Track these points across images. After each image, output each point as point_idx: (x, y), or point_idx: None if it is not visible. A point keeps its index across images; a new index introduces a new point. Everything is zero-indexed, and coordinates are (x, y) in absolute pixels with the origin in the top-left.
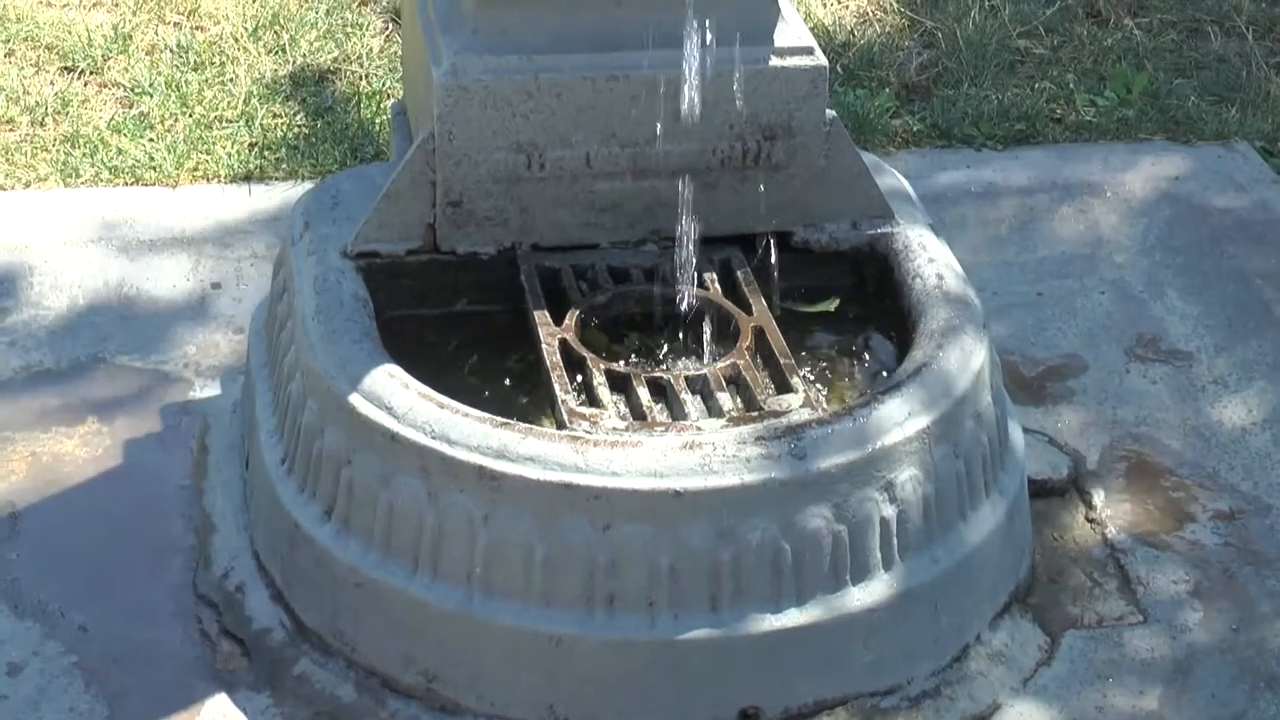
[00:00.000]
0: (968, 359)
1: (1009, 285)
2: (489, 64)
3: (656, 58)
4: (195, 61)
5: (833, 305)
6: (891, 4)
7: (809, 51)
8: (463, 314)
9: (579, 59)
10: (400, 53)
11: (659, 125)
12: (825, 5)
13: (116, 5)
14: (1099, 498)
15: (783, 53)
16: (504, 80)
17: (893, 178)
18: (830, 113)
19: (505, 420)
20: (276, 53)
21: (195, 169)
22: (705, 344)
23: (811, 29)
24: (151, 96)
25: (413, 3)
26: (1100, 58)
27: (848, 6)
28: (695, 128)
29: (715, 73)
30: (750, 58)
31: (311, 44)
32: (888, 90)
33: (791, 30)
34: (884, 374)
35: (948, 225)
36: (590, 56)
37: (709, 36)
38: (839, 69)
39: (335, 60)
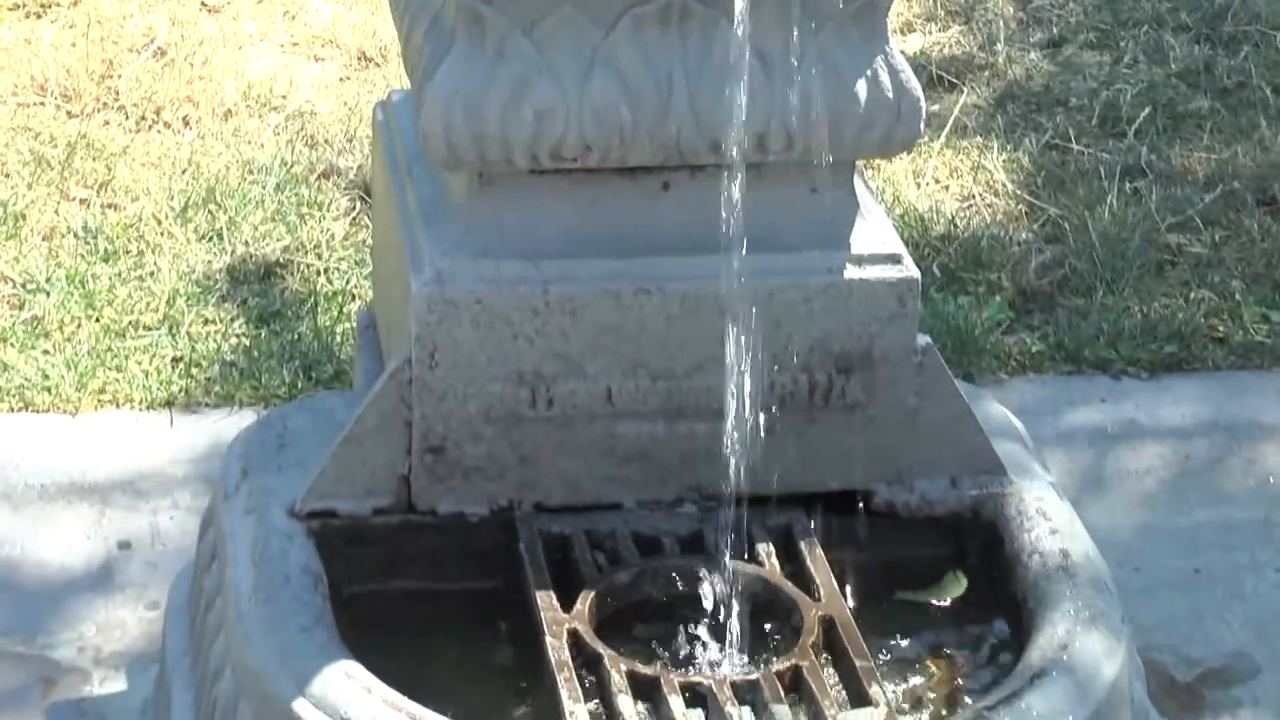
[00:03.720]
0: (1100, 665)
1: (1157, 559)
2: (484, 271)
3: (698, 266)
4: (106, 250)
5: (960, 588)
6: (1005, 185)
7: (895, 260)
8: (444, 593)
9: (599, 266)
10: (371, 242)
11: (701, 353)
12: (919, 185)
13: (6, 176)
14: None
15: (861, 260)
16: (503, 292)
17: (1003, 416)
18: (923, 338)
19: None
20: (210, 239)
21: (102, 391)
22: (758, 638)
23: (900, 217)
24: (48, 295)
25: (386, 183)
26: (1275, 259)
27: (948, 187)
28: (747, 356)
29: (774, 286)
30: (819, 267)
31: (256, 228)
32: (999, 298)
33: (873, 230)
34: (990, 684)
35: (1076, 479)
36: (614, 263)
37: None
38: (935, 270)
39: (286, 250)
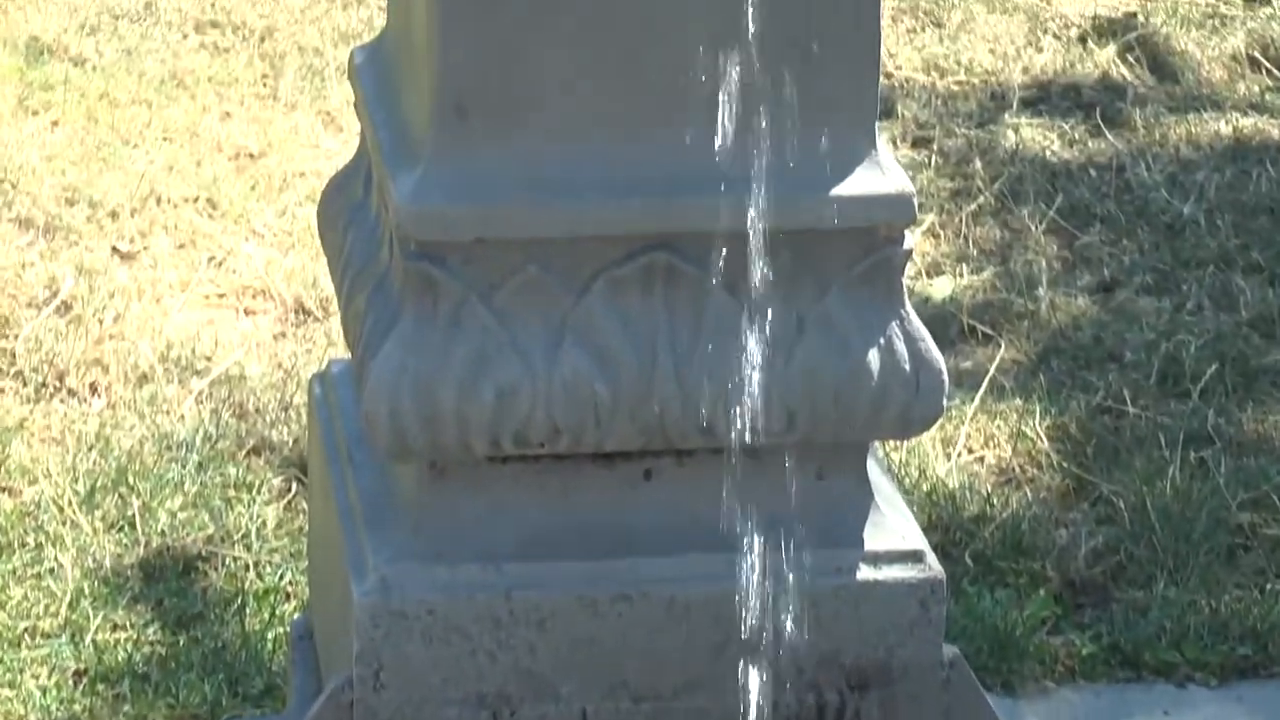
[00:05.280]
0: None
1: None
2: (437, 577)
3: (686, 566)
4: None
5: None
6: (1049, 456)
7: (917, 558)
8: None
9: (571, 569)
10: (308, 533)
11: (691, 669)
12: (949, 456)
13: None
14: None
15: (876, 559)
16: (459, 601)
17: None
18: (950, 650)
19: None
20: (121, 528)
21: None
22: None
23: (927, 495)
24: None
25: (324, 473)
26: None
27: (983, 459)
28: (746, 670)
29: (775, 591)
30: (826, 567)
31: (174, 515)
32: (1043, 591)
33: (890, 523)
34: None
35: None
36: (588, 565)
37: (759, 539)
38: (968, 559)
39: (209, 540)
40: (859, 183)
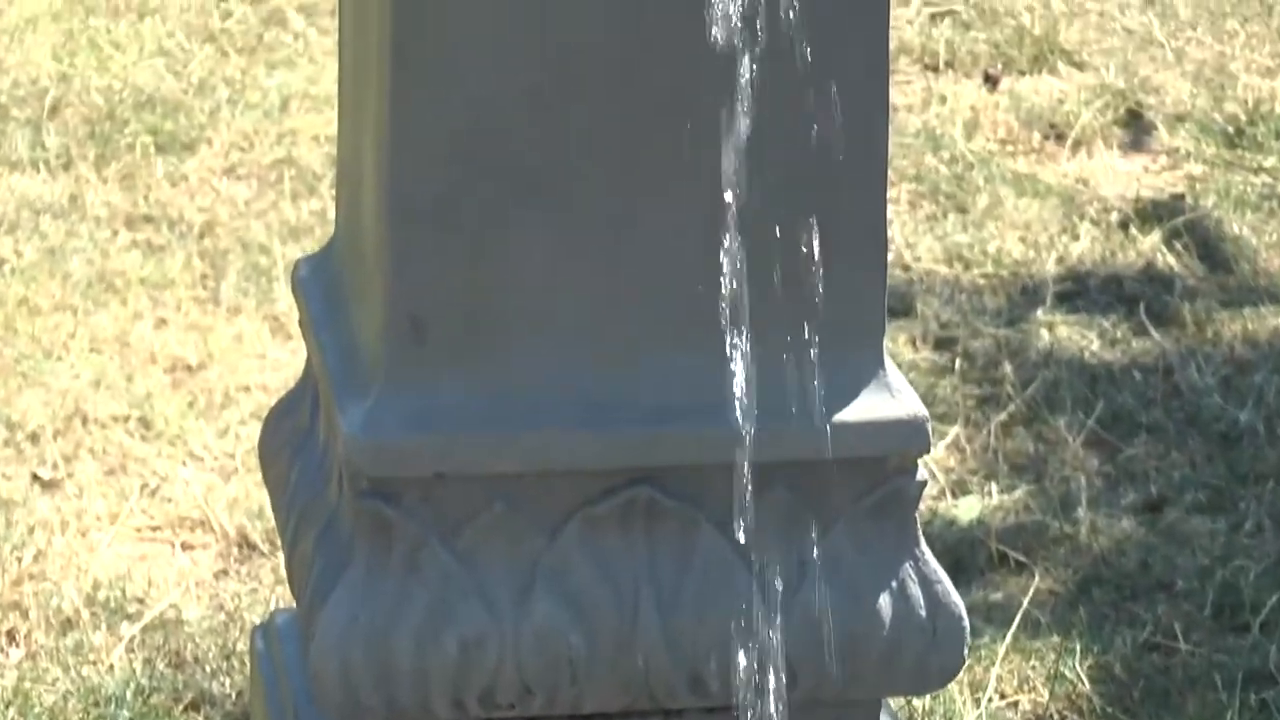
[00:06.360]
0: None
1: None
2: None
3: None
4: None
5: None
6: (1091, 700)
7: None
8: None
9: None
10: None
11: None
12: (979, 702)
13: None
14: None
15: None
16: None
17: None
18: None
19: None
20: None
21: None
22: None
23: None
24: None
25: None
26: None
27: (1017, 704)
28: None
29: None
30: None
31: None
32: None
33: None
34: None
35: None
36: None
37: None
38: None
39: None
40: (865, 408)
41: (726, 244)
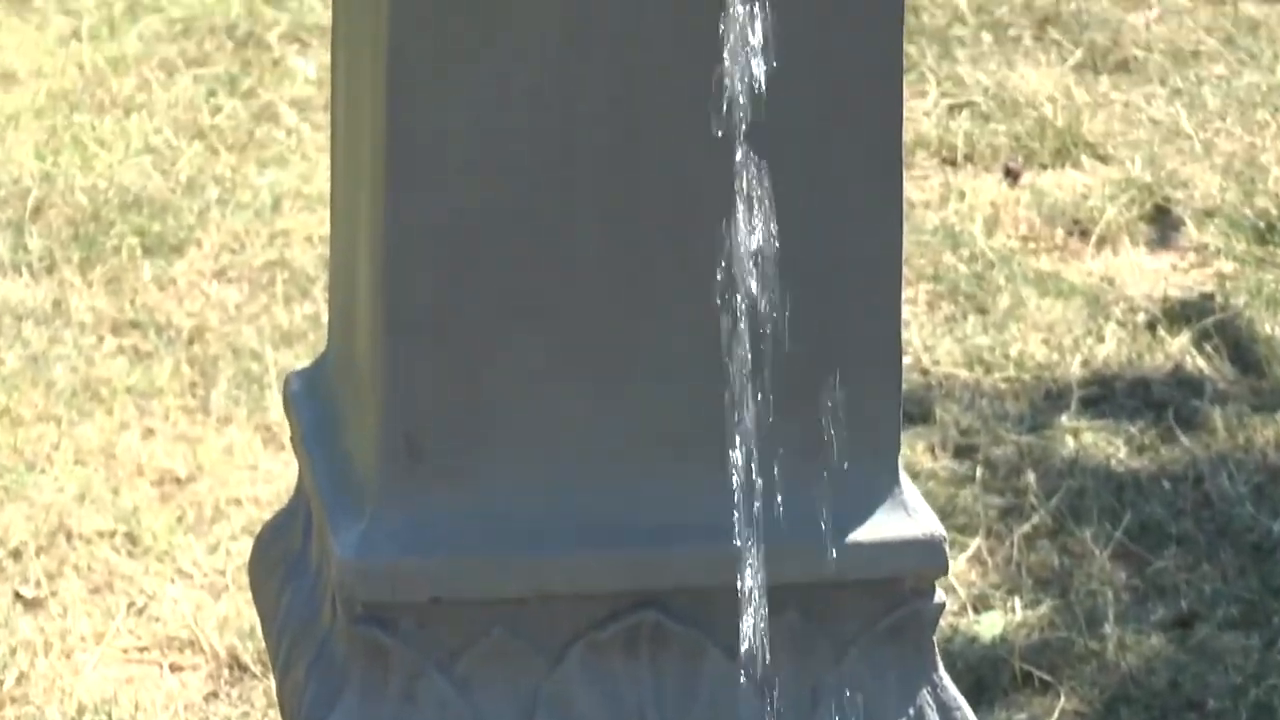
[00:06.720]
0: None
1: None
2: None
3: None
4: None
5: None
6: None
7: None
8: None
9: None
10: None
11: None
12: None
13: None
14: None
15: None
16: None
17: None
18: None
19: None
20: None
21: None
22: None
23: None
24: None
25: None
26: None
27: None
28: None
29: None
30: None
31: None
32: None
33: None
34: None
35: None
36: None
37: None
38: None
39: None
40: (880, 527)
41: (729, 358)
